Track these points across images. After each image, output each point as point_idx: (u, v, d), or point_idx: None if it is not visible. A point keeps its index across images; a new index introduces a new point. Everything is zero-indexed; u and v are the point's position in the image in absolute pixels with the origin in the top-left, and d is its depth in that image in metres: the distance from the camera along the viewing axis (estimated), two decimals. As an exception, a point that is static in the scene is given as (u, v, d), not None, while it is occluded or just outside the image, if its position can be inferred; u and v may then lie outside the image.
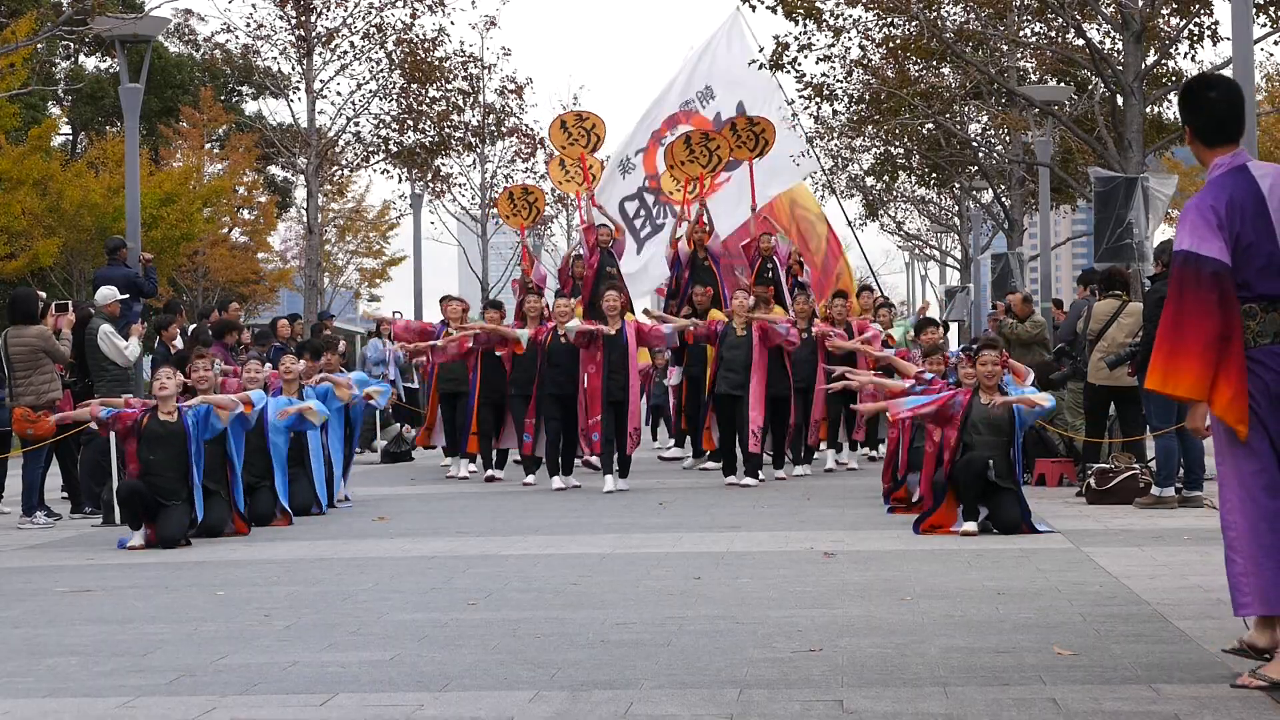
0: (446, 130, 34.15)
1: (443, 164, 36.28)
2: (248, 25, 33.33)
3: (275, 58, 33.77)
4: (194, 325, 20.08)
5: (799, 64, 24.83)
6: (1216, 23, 22.31)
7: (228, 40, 34.56)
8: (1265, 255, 5.95)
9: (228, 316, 19.31)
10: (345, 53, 33.46)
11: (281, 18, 32.99)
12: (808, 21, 24.13)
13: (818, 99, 25.98)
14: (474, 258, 42.13)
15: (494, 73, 33.42)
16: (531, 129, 38.78)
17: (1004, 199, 35.37)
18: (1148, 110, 23.45)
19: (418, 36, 33.60)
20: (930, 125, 31.29)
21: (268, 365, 14.85)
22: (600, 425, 15.78)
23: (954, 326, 40.18)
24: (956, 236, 46.61)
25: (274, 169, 46.47)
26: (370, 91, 33.89)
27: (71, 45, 42.13)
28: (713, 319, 17.04)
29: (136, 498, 11.62)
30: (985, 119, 33.76)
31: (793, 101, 24.68)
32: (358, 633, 7.58)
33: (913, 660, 6.57)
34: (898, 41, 25.11)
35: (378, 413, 22.33)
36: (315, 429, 13.92)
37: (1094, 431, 14.80)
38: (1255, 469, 5.94)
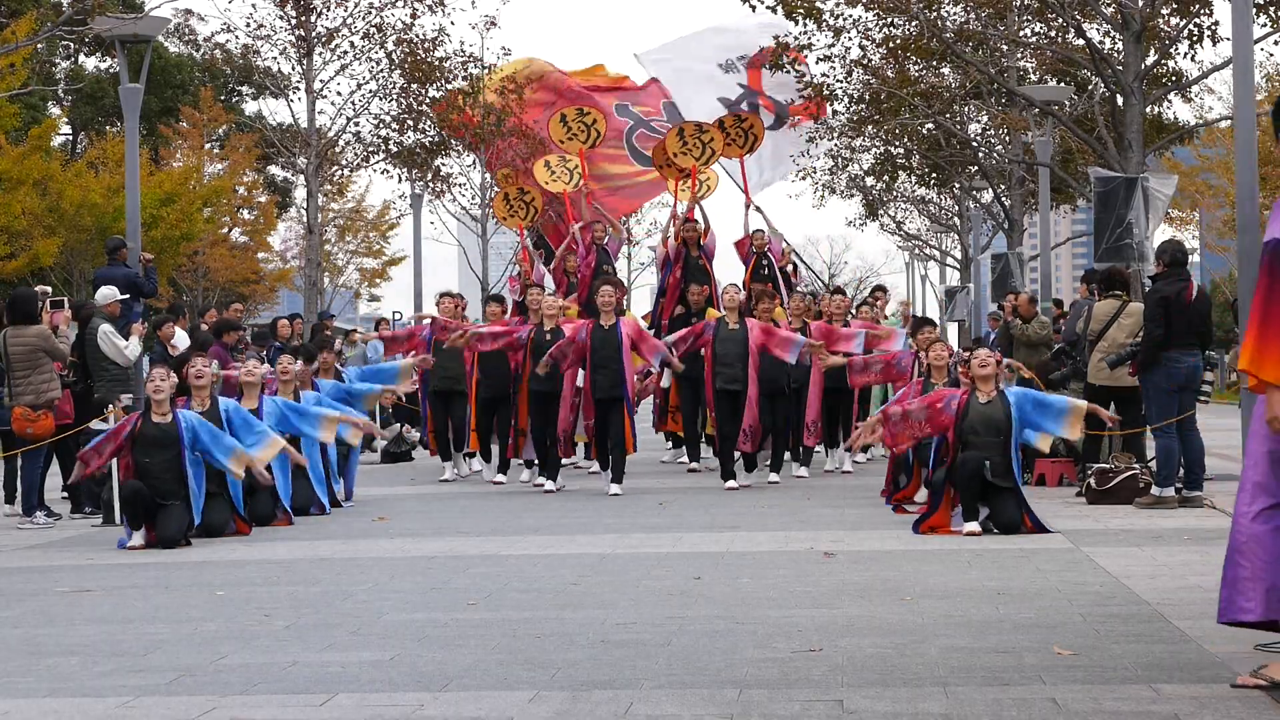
0: (446, 132, 34.09)
1: (443, 164, 36.22)
2: (248, 25, 33.24)
3: (275, 58, 33.71)
4: (190, 326, 20.02)
5: (799, 64, 24.84)
6: (1216, 23, 22.26)
7: (228, 40, 34.46)
8: None
9: (228, 316, 19.28)
10: (345, 53, 33.40)
11: (281, 18, 32.92)
12: (808, 21, 24.10)
13: (818, 99, 25.93)
14: (474, 258, 42.07)
15: (494, 73, 33.22)
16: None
17: (1004, 199, 35.32)
18: (1148, 110, 23.38)
19: (418, 36, 33.55)
20: (930, 125, 31.25)
21: (266, 365, 14.85)
22: (593, 429, 15.79)
23: (954, 326, 40.17)
24: (956, 236, 46.56)
25: (274, 169, 46.47)
26: (370, 91, 33.83)
27: (71, 45, 42.17)
28: (708, 317, 17.02)
29: (138, 498, 11.61)
30: (985, 119, 33.71)
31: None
32: (357, 633, 7.58)
33: (913, 660, 6.57)
34: (898, 41, 25.05)
35: (378, 413, 22.30)
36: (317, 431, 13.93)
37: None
38: None
